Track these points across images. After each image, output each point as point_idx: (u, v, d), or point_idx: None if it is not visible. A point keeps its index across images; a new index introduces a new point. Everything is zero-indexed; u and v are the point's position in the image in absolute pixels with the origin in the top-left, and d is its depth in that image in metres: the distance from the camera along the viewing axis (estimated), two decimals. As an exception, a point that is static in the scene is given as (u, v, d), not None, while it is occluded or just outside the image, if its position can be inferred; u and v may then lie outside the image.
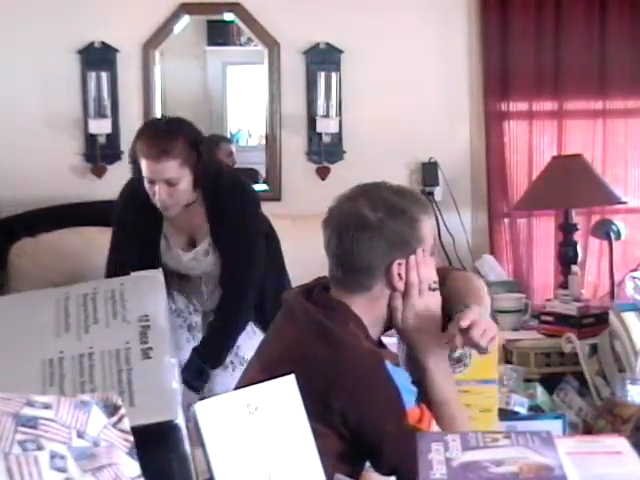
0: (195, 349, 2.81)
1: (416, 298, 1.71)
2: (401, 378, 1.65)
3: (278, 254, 3.02)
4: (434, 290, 1.73)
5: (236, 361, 2.88)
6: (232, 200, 2.77)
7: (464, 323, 1.63)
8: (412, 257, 1.70)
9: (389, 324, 1.76)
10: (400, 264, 1.70)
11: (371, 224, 1.68)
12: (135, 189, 2.76)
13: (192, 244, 2.83)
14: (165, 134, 2.63)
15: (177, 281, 2.92)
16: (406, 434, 1.57)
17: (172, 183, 2.63)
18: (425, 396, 1.70)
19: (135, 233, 2.81)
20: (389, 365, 1.64)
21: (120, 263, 2.80)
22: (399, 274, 1.70)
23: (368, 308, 1.72)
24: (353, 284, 1.72)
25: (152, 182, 2.64)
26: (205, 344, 2.82)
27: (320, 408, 1.55)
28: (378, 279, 1.71)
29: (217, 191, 2.76)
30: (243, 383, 1.65)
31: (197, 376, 2.75)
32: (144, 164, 2.63)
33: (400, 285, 1.71)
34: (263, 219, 2.94)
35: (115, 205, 2.90)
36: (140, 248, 2.78)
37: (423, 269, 1.71)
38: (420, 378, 1.71)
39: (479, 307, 1.69)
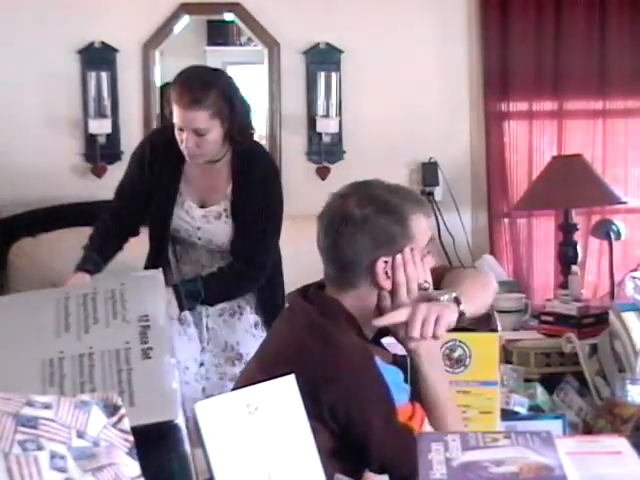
0: (200, 275, 2.76)
1: (404, 298, 1.69)
2: (393, 375, 1.65)
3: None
4: (426, 290, 1.72)
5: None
6: (262, 167, 2.75)
7: (378, 322, 1.66)
8: (398, 256, 1.68)
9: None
10: (386, 262, 1.68)
11: (355, 219, 1.68)
12: (161, 136, 2.77)
13: (207, 200, 2.80)
14: (200, 83, 2.61)
15: (175, 266, 2.87)
16: (394, 431, 1.57)
17: (200, 133, 2.61)
18: (419, 396, 1.70)
19: (149, 176, 2.78)
20: (380, 362, 1.64)
21: (128, 206, 2.81)
22: (386, 272, 1.69)
23: (358, 307, 1.71)
24: (341, 281, 1.72)
25: (181, 129, 2.64)
26: (211, 275, 2.75)
27: (311, 404, 1.55)
28: (363, 276, 1.70)
29: (247, 154, 2.74)
30: (242, 383, 1.65)
31: (190, 293, 2.68)
32: (175, 110, 2.62)
33: (386, 284, 1.69)
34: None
35: (138, 145, 2.88)
36: (155, 194, 2.77)
37: (411, 268, 1.68)
38: (414, 378, 1.71)
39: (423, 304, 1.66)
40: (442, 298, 1.68)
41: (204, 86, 2.60)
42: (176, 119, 2.63)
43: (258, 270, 2.78)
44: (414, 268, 1.69)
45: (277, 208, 2.80)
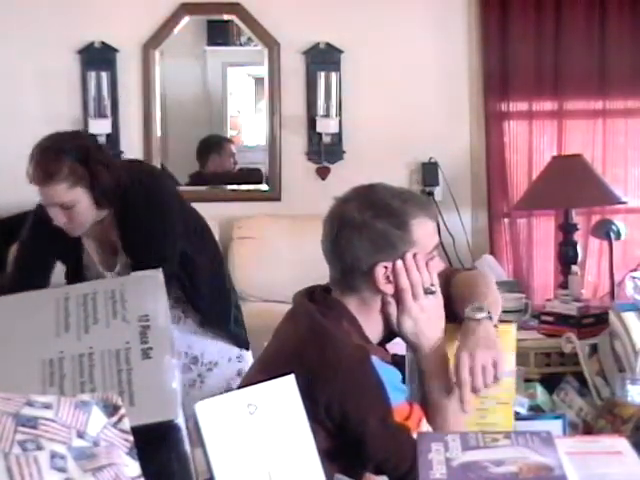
0: None
1: (410, 302, 1.68)
2: (389, 375, 1.65)
3: (215, 253, 2.84)
4: (432, 293, 1.70)
5: (203, 370, 2.74)
6: (136, 206, 2.52)
7: (462, 374, 1.63)
8: (398, 262, 1.66)
9: (390, 329, 1.75)
10: (386, 267, 1.67)
11: (354, 224, 1.66)
12: (45, 213, 2.55)
13: (115, 259, 2.62)
14: (50, 155, 2.43)
15: None
16: (390, 430, 1.57)
17: (67, 206, 2.44)
18: (421, 396, 1.70)
19: (51, 257, 2.65)
20: (378, 361, 1.64)
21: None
22: (387, 277, 1.67)
23: (362, 311, 1.71)
24: (343, 285, 1.72)
25: (48, 206, 2.48)
26: None
27: (307, 402, 1.55)
28: (363, 281, 1.68)
29: (125, 204, 2.53)
30: (244, 383, 1.65)
31: None
32: (36, 189, 2.48)
33: (387, 288, 1.68)
34: (190, 214, 2.71)
35: (29, 225, 2.72)
36: (66, 270, 2.65)
37: (414, 273, 1.67)
38: (420, 379, 1.71)
39: (468, 350, 1.65)
40: (478, 316, 1.68)
41: (55, 157, 2.42)
42: (40, 197, 2.48)
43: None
44: (418, 273, 1.68)
45: (162, 232, 2.55)
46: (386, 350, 1.77)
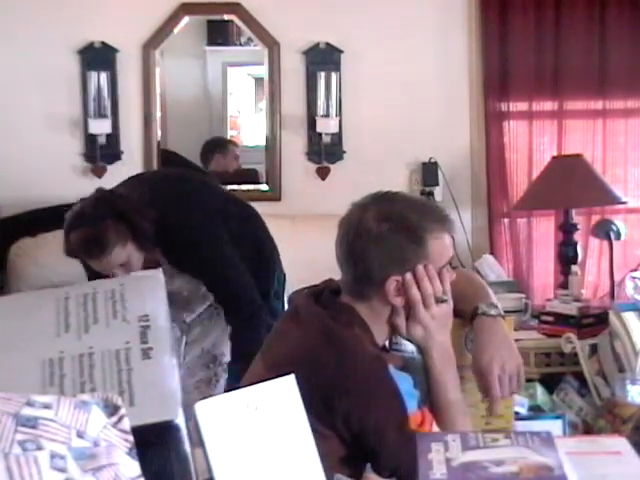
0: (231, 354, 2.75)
1: (422, 312, 1.67)
2: (404, 382, 1.65)
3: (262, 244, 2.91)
4: (443, 301, 1.70)
5: (220, 370, 2.81)
6: (178, 242, 2.63)
7: (497, 406, 1.71)
8: (408, 274, 1.66)
9: (393, 334, 1.76)
10: (397, 281, 1.66)
11: (370, 234, 1.65)
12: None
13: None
14: (93, 230, 2.49)
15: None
16: (406, 439, 1.57)
17: (125, 264, 2.53)
18: (429, 399, 1.70)
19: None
20: (392, 369, 1.64)
21: None
22: (398, 289, 1.67)
23: (371, 317, 1.70)
24: (353, 291, 1.71)
25: (107, 272, 2.54)
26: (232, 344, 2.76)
27: (324, 410, 1.55)
28: (374, 291, 1.68)
29: (163, 240, 2.63)
30: (248, 382, 1.65)
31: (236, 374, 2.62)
32: (89, 262, 2.55)
33: (397, 301, 1.67)
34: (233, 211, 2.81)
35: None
36: None
37: (425, 284, 1.66)
38: (426, 380, 1.71)
39: (496, 360, 1.71)
40: (494, 312, 1.76)
41: (98, 228, 2.48)
42: (97, 268, 2.55)
43: (249, 306, 2.72)
44: (429, 283, 1.67)
45: (219, 264, 2.70)
46: (395, 355, 1.77)
